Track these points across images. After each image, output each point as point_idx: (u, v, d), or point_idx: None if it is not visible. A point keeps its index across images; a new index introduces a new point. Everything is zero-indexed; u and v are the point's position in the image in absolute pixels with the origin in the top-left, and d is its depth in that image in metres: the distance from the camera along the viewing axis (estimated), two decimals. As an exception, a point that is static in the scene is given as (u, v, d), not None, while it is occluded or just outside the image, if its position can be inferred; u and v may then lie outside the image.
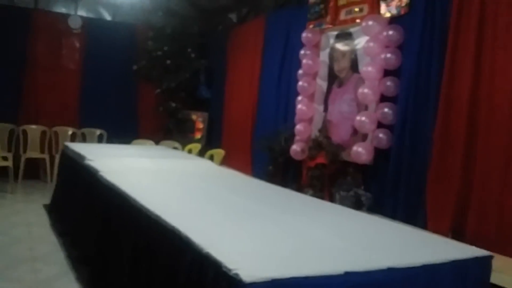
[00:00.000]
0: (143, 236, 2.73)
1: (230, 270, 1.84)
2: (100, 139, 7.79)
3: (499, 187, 3.48)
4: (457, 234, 3.77)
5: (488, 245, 3.46)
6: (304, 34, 5.64)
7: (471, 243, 3.62)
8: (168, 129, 8.36)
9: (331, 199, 4.80)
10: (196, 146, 6.89)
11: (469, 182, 3.75)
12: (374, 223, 2.96)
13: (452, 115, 3.92)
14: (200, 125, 8.32)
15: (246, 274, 1.78)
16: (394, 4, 4.62)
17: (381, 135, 4.53)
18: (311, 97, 5.63)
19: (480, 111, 3.70)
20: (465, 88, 3.80)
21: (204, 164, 5.21)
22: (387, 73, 4.58)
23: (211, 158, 6.29)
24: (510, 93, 3.45)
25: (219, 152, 6.52)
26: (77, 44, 7.99)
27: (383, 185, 4.54)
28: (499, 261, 2.46)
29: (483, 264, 2.14)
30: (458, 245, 2.41)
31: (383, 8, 4.74)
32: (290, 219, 2.83)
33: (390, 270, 2.02)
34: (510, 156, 3.43)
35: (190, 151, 6.74)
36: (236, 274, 1.80)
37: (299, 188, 5.30)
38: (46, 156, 7.37)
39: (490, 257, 2.12)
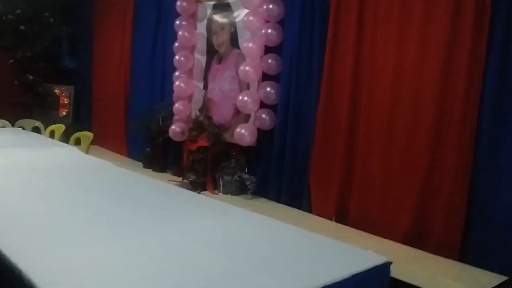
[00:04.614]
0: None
1: None
2: None
3: (381, 169, 3.48)
4: (341, 217, 3.77)
5: (370, 227, 3.52)
6: (178, 3, 5.13)
7: (354, 226, 3.67)
8: (27, 105, 7.34)
9: (215, 185, 4.54)
10: (60, 127, 5.99)
11: (352, 164, 3.72)
12: (257, 226, 2.39)
13: (335, 94, 3.83)
14: (65, 101, 7.43)
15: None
16: (273, -24, 4.35)
17: (264, 115, 4.33)
18: (189, 73, 5.21)
19: (362, 90, 3.63)
20: (347, 66, 3.71)
21: (65, 153, 4.25)
22: (268, 50, 4.35)
23: (78, 141, 5.56)
24: (392, 70, 3.40)
25: (86, 135, 5.70)
26: None
27: (267, 168, 4.37)
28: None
29: (382, 272, 2.00)
30: (353, 251, 2.11)
31: (262, -21, 4.44)
32: (153, 222, 2.28)
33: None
34: (391, 137, 3.42)
35: (52, 133, 5.90)
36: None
37: (181, 172, 4.95)
38: None
39: (389, 264, 1.99)
